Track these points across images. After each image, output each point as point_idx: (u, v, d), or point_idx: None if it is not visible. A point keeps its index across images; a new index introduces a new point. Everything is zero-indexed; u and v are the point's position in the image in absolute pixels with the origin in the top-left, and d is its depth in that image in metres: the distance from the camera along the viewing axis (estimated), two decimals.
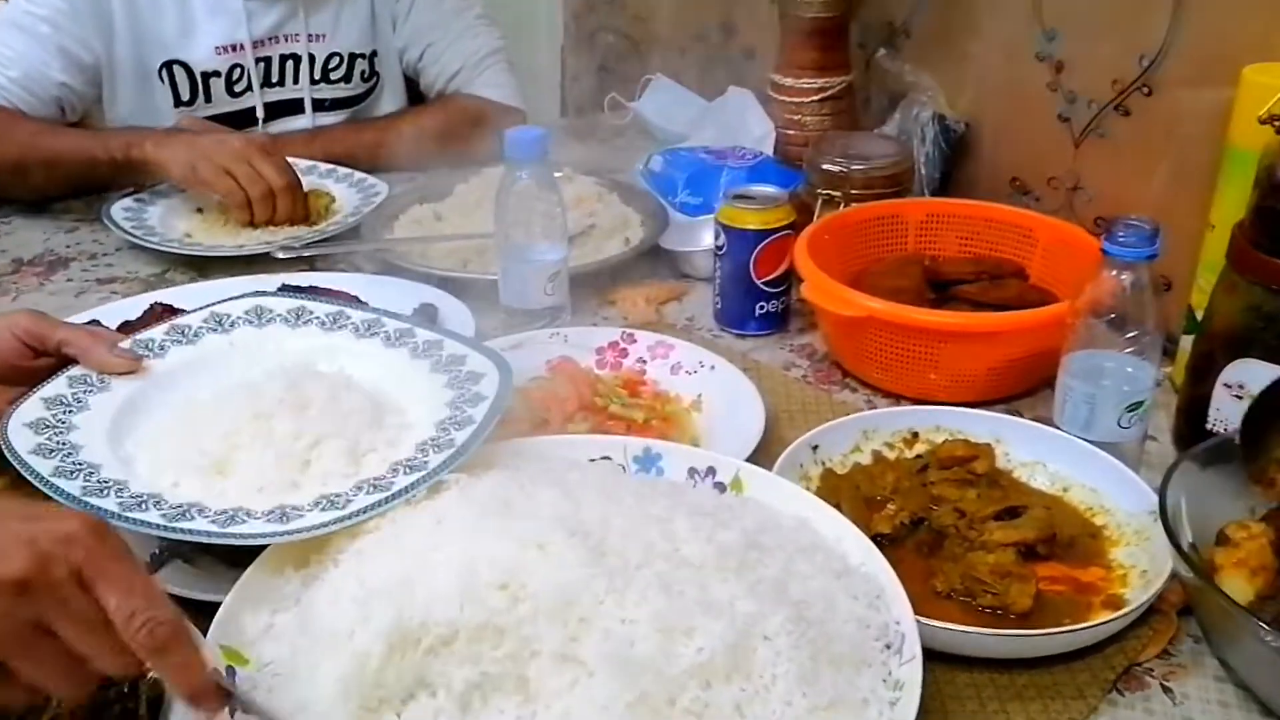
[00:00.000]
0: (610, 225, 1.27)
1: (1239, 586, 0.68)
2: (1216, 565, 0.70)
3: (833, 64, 1.39)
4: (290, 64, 1.54)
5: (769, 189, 1.10)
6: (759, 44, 1.62)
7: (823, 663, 0.58)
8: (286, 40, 1.53)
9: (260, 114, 1.54)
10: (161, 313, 1.00)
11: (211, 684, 0.52)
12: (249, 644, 0.61)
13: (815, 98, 1.40)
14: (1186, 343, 0.95)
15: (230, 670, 0.59)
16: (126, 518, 0.65)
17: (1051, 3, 1.19)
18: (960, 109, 1.34)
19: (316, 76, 1.56)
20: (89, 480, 0.68)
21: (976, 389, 0.98)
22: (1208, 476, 0.75)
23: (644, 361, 1.01)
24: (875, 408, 0.99)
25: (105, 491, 0.66)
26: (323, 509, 0.66)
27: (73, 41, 1.40)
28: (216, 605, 0.62)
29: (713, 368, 0.98)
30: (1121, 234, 0.80)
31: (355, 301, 0.98)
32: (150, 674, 0.64)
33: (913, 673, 0.59)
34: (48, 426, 0.72)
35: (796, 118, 1.41)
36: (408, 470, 0.68)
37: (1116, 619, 0.68)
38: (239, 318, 0.85)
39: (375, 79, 1.63)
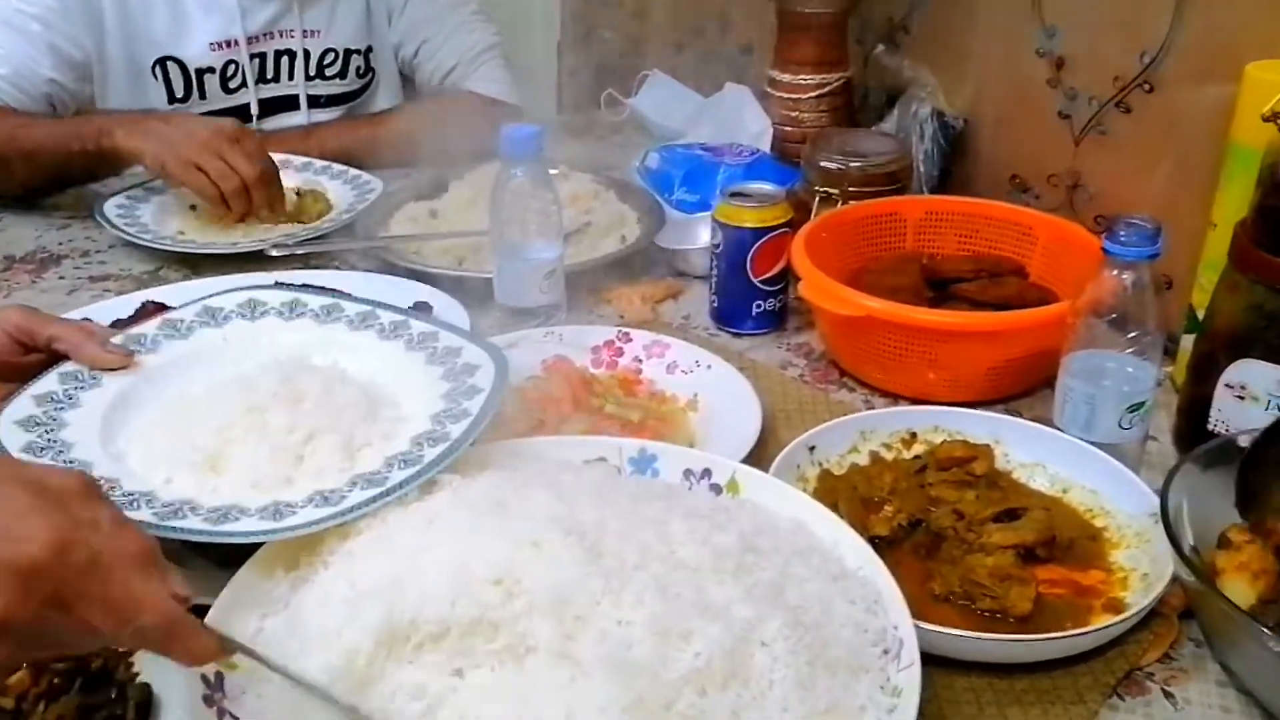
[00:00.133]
0: (606, 223, 1.26)
1: (1241, 590, 0.67)
2: (1218, 568, 0.69)
3: (831, 60, 1.39)
4: (285, 60, 1.53)
5: (766, 186, 1.10)
6: (756, 40, 1.62)
7: (819, 668, 0.57)
8: (281, 36, 1.52)
9: (255, 110, 1.53)
10: (154, 311, 0.99)
11: (215, 649, 0.54)
12: None
13: (813, 94, 1.39)
14: (1188, 342, 0.94)
15: (219, 676, 0.58)
16: None
17: None
18: (959, 105, 1.33)
19: (311, 73, 1.55)
20: None
21: (976, 389, 0.97)
22: (1209, 478, 0.74)
23: (640, 361, 1.00)
24: (873, 407, 0.98)
25: None
26: (316, 505, 0.65)
27: (63, 39, 1.39)
28: (207, 608, 0.61)
29: (709, 367, 0.98)
30: (1123, 233, 0.80)
31: (349, 297, 0.97)
32: (138, 677, 0.63)
33: (910, 678, 0.58)
34: (38, 424, 0.71)
35: (794, 114, 1.41)
36: (402, 465, 0.68)
37: (1117, 623, 0.68)
38: (232, 311, 0.85)
39: (370, 75, 1.62)
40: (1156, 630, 0.72)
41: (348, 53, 1.57)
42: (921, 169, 1.31)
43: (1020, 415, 0.91)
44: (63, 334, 0.78)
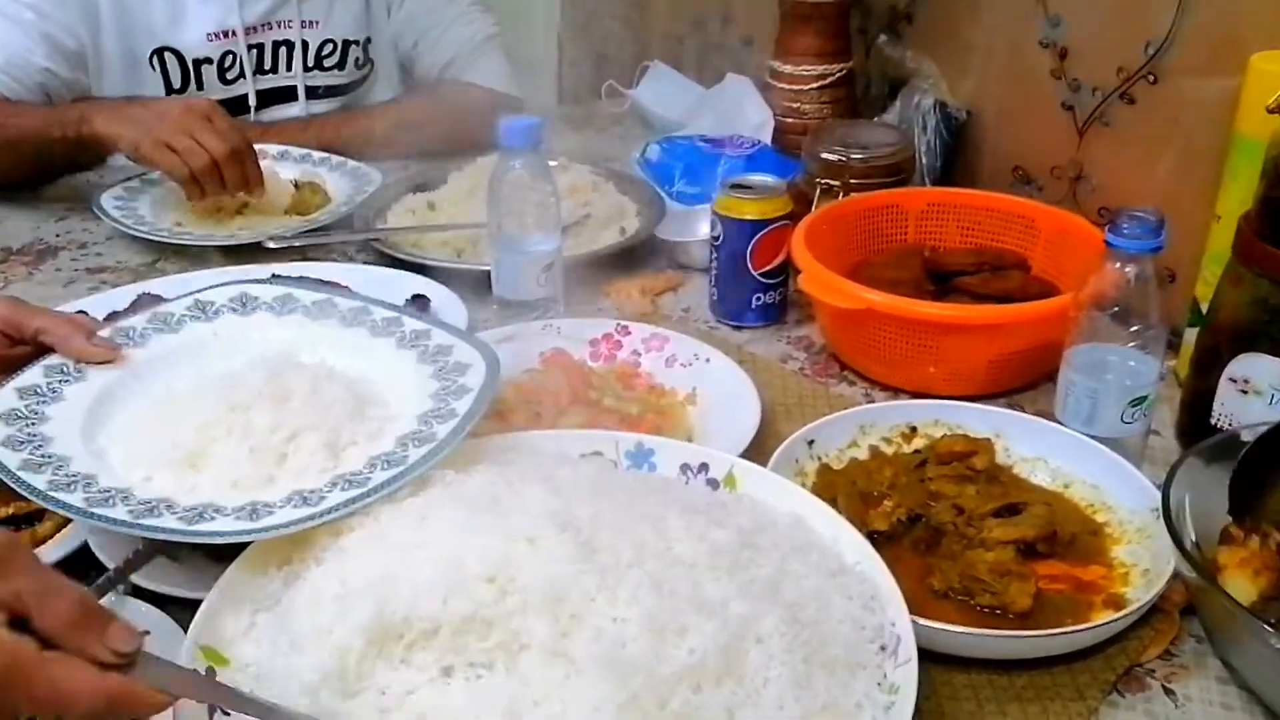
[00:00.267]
0: (605, 215, 1.25)
1: (1242, 587, 0.67)
2: (1220, 565, 0.68)
3: (832, 50, 1.38)
4: (283, 51, 1.52)
5: (767, 178, 1.09)
6: (757, 30, 1.60)
7: (816, 665, 0.57)
8: (279, 27, 1.51)
9: (253, 101, 1.52)
10: (150, 304, 0.99)
11: (164, 701, 0.51)
12: (229, 644, 0.60)
13: (814, 85, 1.38)
14: (1191, 336, 0.93)
15: (210, 670, 0.58)
16: (93, 514, 0.63)
17: None
18: (962, 97, 1.32)
19: (310, 63, 1.55)
20: (57, 474, 0.66)
21: (977, 383, 0.96)
22: (1212, 473, 0.73)
23: (638, 354, 1.00)
24: (873, 401, 0.98)
25: (73, 486, 0.65)
26: (295, 506, 0.64)
27: (57, 28, 1.38)
28: (199, 603, 0.61)
29: (708, 360, 0.97)
30: (1126, 225, 0.79)
31: (345, 291, 0.96)
32: None
33: (908, 676, 0.57)
34: (19, 417, 0.71)
35: (795, 105, 1.40)
36: (385, 465, 0.67)
37: (1118, 619, 0.67)
38: (223, 305, 0.84)
39: (369, 66, 1.61)
40: (1157, 626, 0.71)
41: (346, 44, 1.56)
42: (924, 161, 1.30)
43: (1022, 409, 0.91)
44: (49, 326, 0.77)
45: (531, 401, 0.90)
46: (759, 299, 1.09)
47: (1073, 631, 0.67)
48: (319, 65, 1.55)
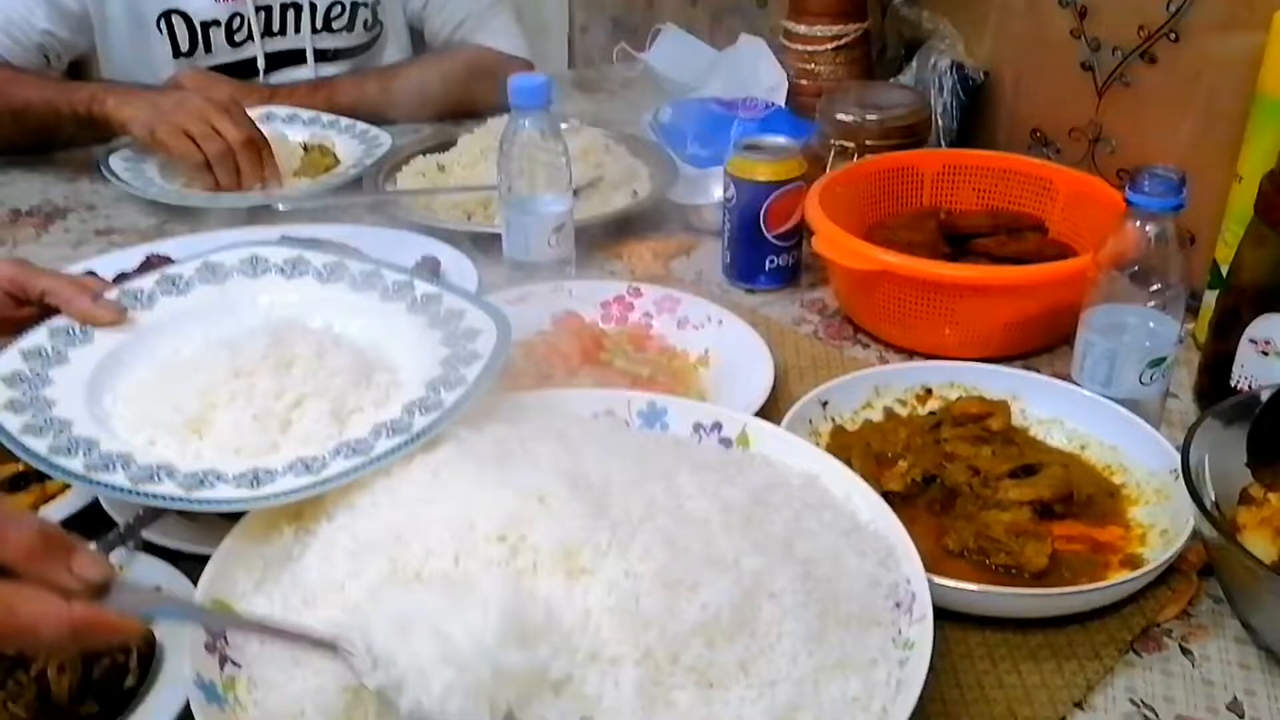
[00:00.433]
0: (617, 177, 1.24)
1: (1263, 546, 0.66)
2: (1239, 524, 0.68)
3: (848, 10, 1.35)
4: (291, 13, 1.50)
5: (780, 140, 1.07)
6: None
7: (830, 621, 0.57)
8: None
9: (261, 64, 1.50)
10: (157, 265, 0.98)
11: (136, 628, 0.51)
12: (240, 598, 0.60)
13: (829, 46, 1.36)
14: (1210, 298, 0.92)
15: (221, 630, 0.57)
16: (92, 480, 0.62)
17: None
18: (979, 57, 1.30)
19: (318, 25, 1.53)
20: (58, 438, 0.65)
21: (993, 345, 0.95)
22: (1231, 434, 0.72)
23: (650, 316, 0.99)
24: (888, 364, 0.97)
25: (74, 451, 0.64)
26: (296, 473, 0.63)
27: None
28: (210, 558, 0.61)
29: (720, 322, 0.96)
30: (1147, 183, 0.77)
31: (355, 253, 0.95)
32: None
33: (923, 632, 0.57)
34: (23, 380, 0.69)
35: (810, 67, 1.38)
36: (390, 433, 0.66)
37: (1135, 578, 0.66)
38: (233, 268, 0.82)
39: (378, 28, 1.59)
40: (1175, 587, 0.70)
41: (355, 5, 1.54)
42: (940, 122, 1.28)
43: (1039, 372, 0.90)
44: (55, 287, 0.76)
45: (542, 363, 0.89)
46: (772, 261, 1.08)
47: (1089, 590, 0.66)
48: (327, 27, 1.53)
